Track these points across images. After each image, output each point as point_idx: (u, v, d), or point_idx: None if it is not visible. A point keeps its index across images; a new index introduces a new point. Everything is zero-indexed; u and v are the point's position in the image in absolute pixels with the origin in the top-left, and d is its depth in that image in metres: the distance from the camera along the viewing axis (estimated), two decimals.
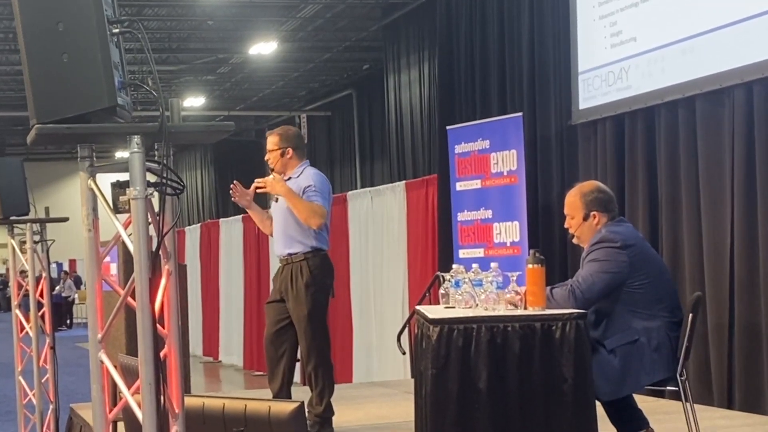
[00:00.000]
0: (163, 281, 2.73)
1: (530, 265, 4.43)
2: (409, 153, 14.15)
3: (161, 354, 2.67)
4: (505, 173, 8.49)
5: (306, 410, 4.01)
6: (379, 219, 11.12)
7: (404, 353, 6.92)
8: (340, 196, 11.50)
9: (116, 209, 2.70)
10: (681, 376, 4.63)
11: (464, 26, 10.22)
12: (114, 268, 7.95)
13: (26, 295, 7.11)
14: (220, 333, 16.56)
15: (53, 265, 27.23)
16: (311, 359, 6.00)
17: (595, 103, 8.11)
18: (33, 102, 2.60)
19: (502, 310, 4.38)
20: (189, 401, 2.90)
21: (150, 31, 16.73)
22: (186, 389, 3.38)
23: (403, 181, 11.25)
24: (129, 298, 2.68)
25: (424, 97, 13.87)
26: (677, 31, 7.21)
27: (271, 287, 6.36)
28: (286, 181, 6.18)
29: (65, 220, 6.85)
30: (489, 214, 8.64)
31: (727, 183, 6.83)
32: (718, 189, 6.91)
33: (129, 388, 2.68)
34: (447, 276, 4.96)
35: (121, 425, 3.31)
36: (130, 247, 2.62)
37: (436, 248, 9.92)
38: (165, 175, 2.62)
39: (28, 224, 6.78)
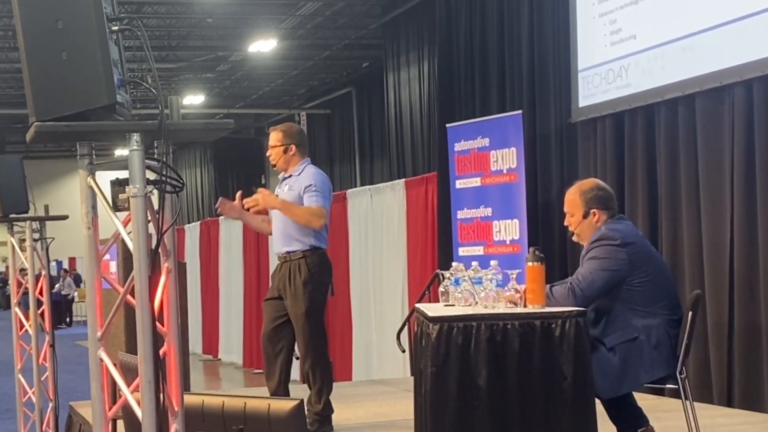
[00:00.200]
0: (162, 279, 2.72)
1: (530, 263, 4.43)
2: (409, 151, 14.14)
3: (161, 352, 2.67)
4: (505, 171, 8.49)
5: (305, 408, 4.01)
6: (379, 217, 11.12)
7: (404, 351, 6.92)
8: (339, 194, 11.50)
9: (116, 207, 2.70)
10: (681, 374, 4.63)
11: (464, 24, 10.21)
12: (113, 266, 7.96)
13: (26, 293, 7.11)
14: (220, 331, 16.56)
15: (53, 263, 27.23)
16: (309, 357, 6.00)
17: (594, 101, 8.11)
18: (32, 100, 2.59)
19: (502, 308, 4.38)
20: (188, 399, 2.90)
21: (149, 29, 16.72)
22: (185, 387, 3.38)
23: (403, 179, 11.25)
24: (128, 296, 2.67)
25: (424, 95, 13.86)
26: (677, 29, 7.21)
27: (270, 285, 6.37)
28: (286, 179, 6.18)
29: (65, 218, 6.85)
30: (489, 211, 8.64)
31: (727, 181, 6.83)
32: (717, 187, 6.91)
33: (128, 386, 2.68)
34: (447, 274, 4.97)
35: (120, 423, 3.31)
36: (130, 245, 2.62)
37: (435, 246, 9.92)
38: (164, 172, 2.62)
39: (28, 222, 6.77)
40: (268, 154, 6.25)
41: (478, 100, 9.98)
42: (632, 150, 7.77)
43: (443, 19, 10.56)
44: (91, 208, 2.72)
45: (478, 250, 8.63)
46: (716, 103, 6.96)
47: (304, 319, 5.97)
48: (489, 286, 4.47)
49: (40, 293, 6.99)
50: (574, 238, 4.96)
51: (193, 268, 16.66)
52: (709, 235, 6.97)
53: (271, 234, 6.33)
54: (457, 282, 4.77)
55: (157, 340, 2.62)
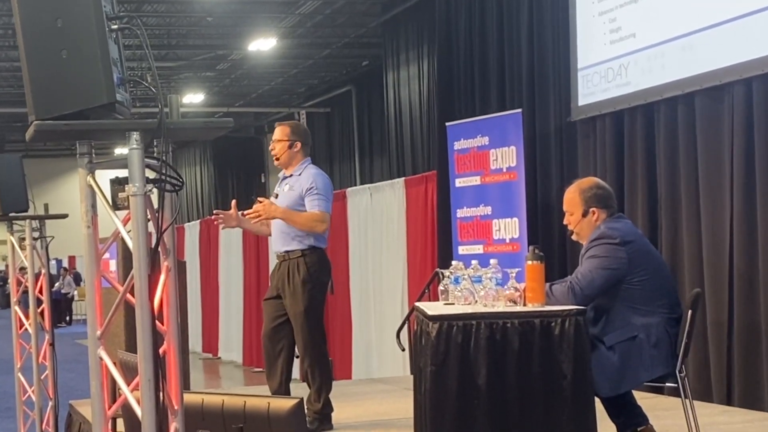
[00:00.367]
0: (162, 278, 2.72)
1: (529, 262, 4.43)
2: (409, 149, 14.15)
3: (160, 350, 2.67)
4: (505, 170, 8.49)
5: (305, 407, 4.01)
6: (379, 215, 11.12)
7: (403, 350, 6.91)
8: (339, 193, 11.50)
9: (115, 206, 2.70)
10: (680, 372, 4.63)
11: (463, 23, 10.21)
12: (113, 265, 7.95)
13: (25, 292, 7.11)
14: (220, 329, 16.56)
15: (52, 262, 27.23)
16: (308, 356, 6.00)
17: (594, 100, 8.11)
18: (32, 98, 2.59)
19: (502, 307, 4.38)
20: (188, 398, 2.90)
21: (149, 28, 16.73)
22: (185, 386, 3.38)
23: (403, 178, 11.25)
24: (128, 295, 2.67)
25: (424, 94, 13.86)
26: (677, 28, 7.20)
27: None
28: (287, 178, 6.18)
29: (64, 216, 6.85)
30: (488, 210, 8.64)
31: (727, 179, 6.82)
32: (717, 185, 6.91)
33: (128, 384, 2.68)
34: (446, 272, 4.97)
35: (120, 422, 3.31)
36: (129, 243, 2.62)
37: (435, 245, 9.92)
38: (164, 171, 2.62)
39: (28, 221, 6.78)
40: (271, 147, 6.24)
41: (477, 98, 9.98)
42: (632, 149, 7.77)
43: (443, 17, 10.55)
44: (90, 207, 2.72)
45: (478, 249, 8.63)
46: (716, 101, 6.96)
47: (303, 318, 5.98)
48: (489, 284, 4.48)
49: (40, 292, 6.99)
50: (574, 237, 4.96)
51: (192, 267, 16.66)
52: (708, 233, 6.97)
53: (270, 235, 6.33)
54: (456, 280, 4.77)
55: (157, 338, 2.62)
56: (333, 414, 6.12)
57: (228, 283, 16.00)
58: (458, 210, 8.97)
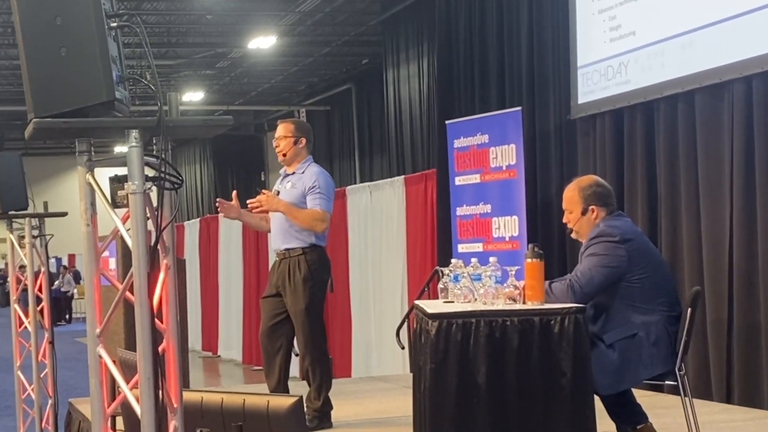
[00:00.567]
0: (161, 276, 2.72)
1: (529, 260, 4.43)
2: (408, 147, 14.15)
3: (160, 349, 2.67)
4: (504, 168, 8.49)
5: (304, 405, 4.01)
6: (378, 214, 11.11)
7: (403, 348, 6.91)
8: (339, 191, 11.49)
9: (114, 204, 2.70)
10: (680, 370, 4.63)
11: (463, 21, 10.21)
12: (113, 263, 7.95)
13: (25, 290, 7.11)
14: (220, 328, 16.56)
15: (52, 260, 27.23)
16: (308, 354, 6.00)
17: (594, 98, 8.10)
18: (31, 96, 2.59)
19: (501, 305, 4.38)
20: (187, 396, 2.90)
21: (148, 26, 16.72)
22: (185, 384, 3.38)
23: (402, 176, 11.24)
24: (127, 293, 2.67)
25: (423, 92, 13.86)
26: (677, 26, 7.20)
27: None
28: (289, 175, 6.18)
29: (64, 214, 6.85)
30: (488, 208, 8.63)
31: (727, 177, 6.82)
32: (717, 183, 6.91)
33: (127, 382, 2.68)
34: (446, 270, 4.96)
35: (119, 420, 3.31)
36: (129, 241, 2.62)
37: (435, 243, 9.91)
38: (163, 169, 2.62)
39: (27, 219, 6.77)
40: (276, 144, 6.23)
41: (477, 96, 9.98)
42: (631, 147, 7.77)
43: (443, 15, 10.55)
44: (90, 205, 2.71)
45: (478, 247, 8.63)
46: (716, 99, 6.96)
47: (304, 315, 5.97)
48: (488, 282, 4.48)
49: (40, 290, 6.99)
50: (573, 235, 4.96)
51: (192, 265, 16.66)
52: (708, 231, 6.97)
53: (270, 231, 6.33)
54: (456, 279, 4.77)
55: (156, 337, 2.62)
56: (332, 412, 6.12)
57: (228, 282, 15.99)
58: (458, 208, 8.97)
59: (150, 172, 2.65)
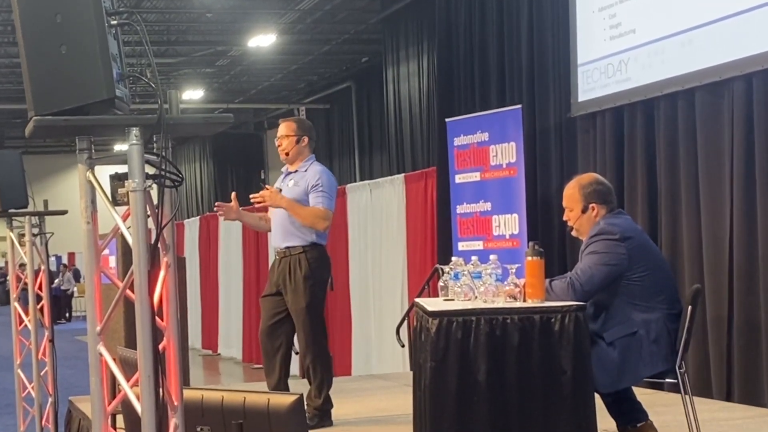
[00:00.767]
0: (162, 274, 2.72)
1: (529, 258, 4.43)
2: (408, 145, 14.14)
3: (160, 347, 2.66)
4: (504, 165, 8.48)
5: (305, 403, 4.01)
6: (378, 212, 11.11)
7: (403, 346, 6.92)
8: (339, 189, 11.43)
9: (115, 202, 2.69)
10: (680, 368, 4.63)
11: (463, 18, 10.20)
12: (113, 261, 7.95)
13: (25, 288, 7.11)
14: (219, 326, 16.56)
15: (52, 258, 27.23)
16: (309, 352, 6.00)
17: (594, 95, 8.10)
18: (31, 94, 2.59)
19: (501, 303, 4.38)
20: (188, 394, 2.90)
21: (148, 24, 16.71)
22: (185, 382, 3.38)
23: (402, 174, 11.24)
24: (128, 291, 2.67)
25: (423, 90, 13.85)
26: (677, 23, 7.20)
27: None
28: (291, 173, 6.18)
29: (64, 213, 6.85)
30: (488, 206, 8.63)
31: (727, 175, 6.82)
32: (717, 181, 6.91)
33: (128, 380, 2.68)
34: (446, 268, 4.96)
35: (120, 418, 3.31)
36: (129, 239, 2.62)
37: (435, 241, 9.91)
38: (164, 167, 2.61)
39: (27, 217, 6.77)
40: (278, 143, 6.23)
41: (477, 94, 9.98)
42: (632, 144, 7.77)
43: (443, 13, 10.55)
44: (90, 203, 2.71)
45: (478, 245, 8.62)
46: (716, 97, 6.95)
47: (305, 314, 5.97)
48: (488, 280, 4.48)
49: (40, 288, 6.99)
50: (573, 233, 4.96)
51: (192, 264, 16.65)
52: (708, 229, 6.97)
53: (269, 231, 6.32)
54: (456, 276, 4.77)
55: (157, 334, 2.62)
56: (332, 410, 6.12)
57: (228, 280, 15.99)
58: (458, 206, 8.96)
59: (150, 170, 2.64)
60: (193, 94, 22.41)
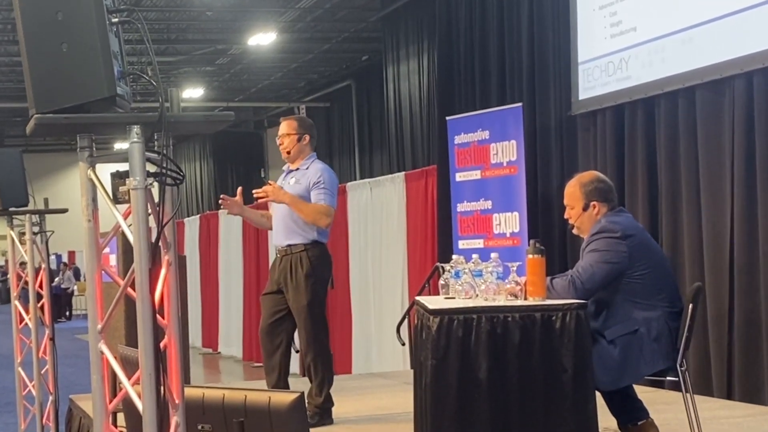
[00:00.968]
0: (163, 272, 2.72)
1: (530, 256, 4.43)
2: (409, 144, 14.14)
3: (161, 345, 2.66)
4: (505, 164, 8.49)
5: (305, 401, 4.01)
6: (379, 210, 11.11)
7: (403, 344, 6.92)
8: (339, 188, 11.46)
9: (116, 200, 2.69)
10: (681, 366, 4.63)
11: (464, 17, 10.20)
12: (113, 260, 7.94)
13: (25, 287, 7.10)
14: (220, 324, 16.57)
15: (52, 257, 27.22)
16: (311, 350, 5.99)
17: (594, 94, 8.10)
18: (32, 92, 2.58)
19: (502, 301, 4.38)
20: (189, 392, 2.90)
21: (148, 22, 16.69)
22: (186, 380, 3.38)
23: (403, 172, 11.24)
24: (129, 289, 2.67)
25: (424, 88, 13.85)
26: (677, 21, 7.20)
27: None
28: (292, 171, 6.17)
29: (64, 211, 6.84)
30: (489, 204, 8.63)
31: (727, 173, 6.82)
32: (718, 179, 6.91)
33: (129, 379, 2.68)
34: (447, 267, 4.96)
35: (120, 416, 3.31)
36: (130, 237, 2.61)
37: (435, 239, 9.91)
38: (165, 165, 2.61)
39: (28, 215, 6.77)
40: (279, 142, 6.22)
41: (478, 92, 9.97)
42: (632, 142, 7.77)
43: (443, 11, 10.54)
44: (91, 201, 2.71)
45: (478, 243, 8.62)
46: (716, 95, 6.95)
47: (306, 312, 5.97)
48: (489, 278, 4.47)
49: (40, 287, 6.98)
50: (575, 231, 4.96)
51: (192, 262, 16.65)
52: (709, 227, 6.97)
53: (270, 229, 6.32)
54: (457, 274, 4.77)
55: (158, 332, 2.62)
56: (333, 408, 6.12)
57: (228, 278, 16.00)
58: (458, 204, 8.96)
59: (151, 168, 2.64)
60: (193, 93, 22.40)
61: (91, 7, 2.56)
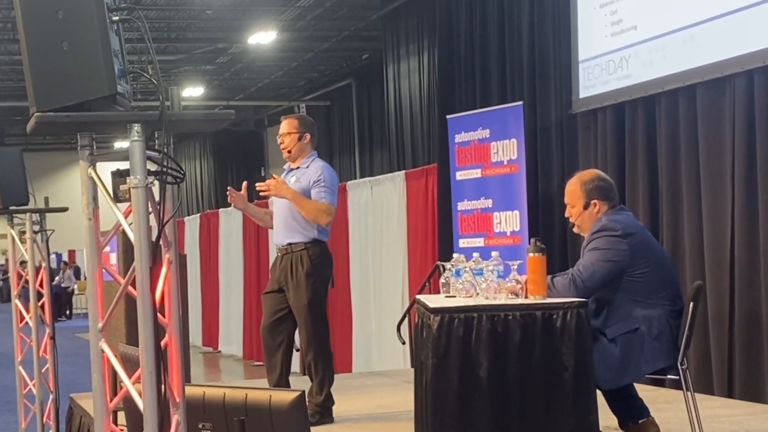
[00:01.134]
0: (163, 270, 2.72)
1: (531, 254, 4.43)
2: (409, 142, 14.13)
3: (162, 343, 2.66)
4: (506, 162, 8.48)
5: (306, 400, 4.01)
6: (379, 209, 11.11)
7: (404, 343, 6.91)
8: (339, 186, 11.45)
9: (116, 198, 2.69)
10: (681, 364, 4.63)
11: (464, 15, 10.20)
12: (113, 258, 7.94)
13: (26, 286, 7.10)
14: (220, 323, 16.57)
15: (53, 256, 27.21)
16: (311, 349, 5.99)
17: (595, 92, 8.10)
18: (32, 90, 2.58)
19: (503, 299, 4.38)
20: (189, 390, 2.89)
21: (148, 21, 16.63)
22: (186, 379, 3.37)
23: (403, 171, 11.24)
24: (129, 288, 2.67)
25: (424, 87, 13.85)
26: (678, 20, 7.20)
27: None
28: (293, 170, 6.17)
29: (65, 210, 6.84)
30: (489, 203, 8.63)
31: (728, 171, 6.82)
32: (718, 177, 6.90)
33: (129, 377, 2.68)
34: (447, 265, 4.96)
35: (121, 415, 3.31)
36: (131, 236, 2.61)
37: (436, 238, 9.91)
38: (165, 163, 2.61)
39: (28, 214, 6.77)
40: (280, 141, 6.22)
41: (478, 91, 9.97)
42: (633, 141, 7.77)
43: (443, 10, 10.54)
44: (92, 199, 2.71)
45: (479, 242, 8.62)
46: (717, 93, 6.95)
47: (307, 310, 5.97)
48: (490, 277, 4.47)
49: (41, 285, 6.98)
50: (575, 230, 4.95)
51: (192, 261, 16.65)
52: (709, 225, 6.97)
53: (272, 228, 6.32)
54: (458, 273, 4.77)
55: (159, 331, 2.62)
56: (334, 407, 6.12)
57: (228, 277, 16.00)
58: (459, 203, 8.96)
59: (151, 167, 2.64)
60: (193, 92, 22.40)
61: (92, 5, 2.56)
